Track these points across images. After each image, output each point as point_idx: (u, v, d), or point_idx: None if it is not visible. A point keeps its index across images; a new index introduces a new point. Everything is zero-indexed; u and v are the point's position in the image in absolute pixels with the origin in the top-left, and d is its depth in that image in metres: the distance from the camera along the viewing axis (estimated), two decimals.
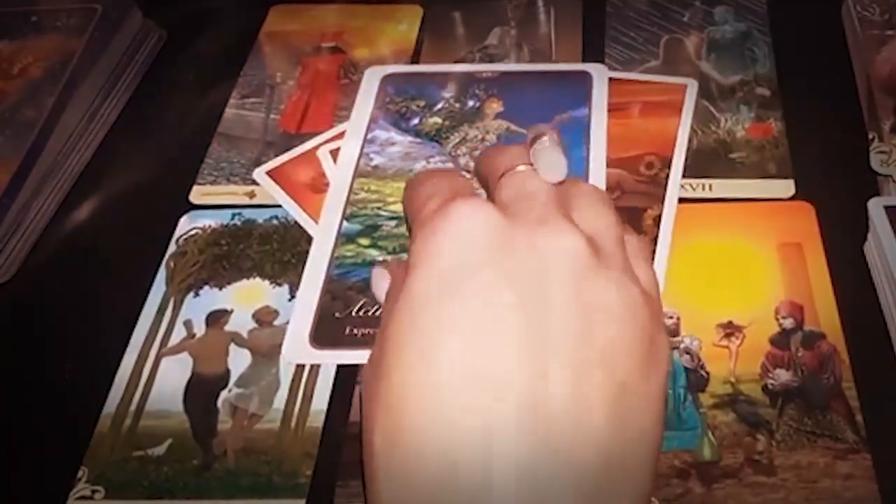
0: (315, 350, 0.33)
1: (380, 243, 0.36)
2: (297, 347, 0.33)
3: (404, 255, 0.35)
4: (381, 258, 0.35)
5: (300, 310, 0.34)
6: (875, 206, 0.35)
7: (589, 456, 0.21)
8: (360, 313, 0.33)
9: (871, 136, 0.39)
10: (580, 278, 0.23)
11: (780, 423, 0.30)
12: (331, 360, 0.33)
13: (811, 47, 0.45)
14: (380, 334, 0.25)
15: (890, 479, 0.29)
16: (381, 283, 0.29)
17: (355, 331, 0.33)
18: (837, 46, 0.45)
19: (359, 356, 0.32)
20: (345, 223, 0.37)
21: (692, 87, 0.42)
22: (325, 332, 0.33)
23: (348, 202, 0.37)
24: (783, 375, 0.32)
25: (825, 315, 0.33)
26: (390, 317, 0.24)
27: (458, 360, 0.22)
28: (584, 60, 0.45)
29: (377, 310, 0.33)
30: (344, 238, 0.36)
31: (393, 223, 0.36)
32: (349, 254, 0.35)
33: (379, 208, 0.37)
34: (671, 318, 0.34)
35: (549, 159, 0.27)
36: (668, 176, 0.38)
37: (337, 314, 0.33)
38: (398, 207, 0.37)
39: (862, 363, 0.32)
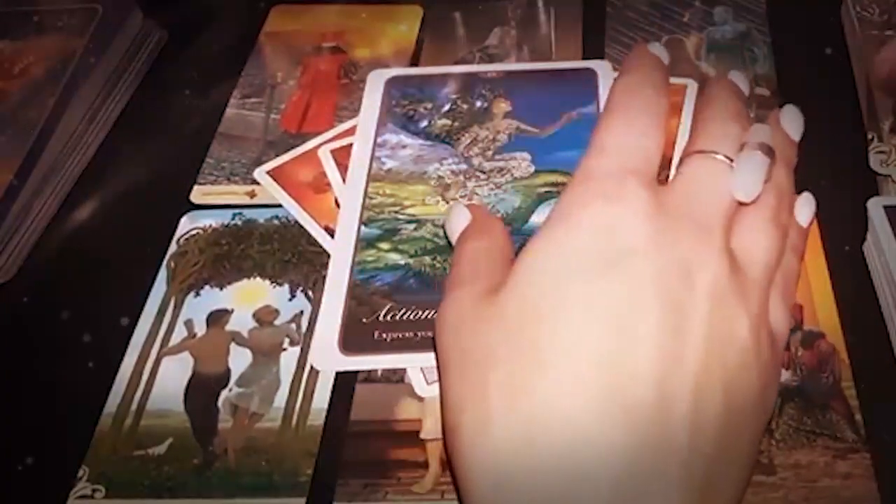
0: (345, 357, 0.32)
1: (400, 247, 0.35)
2: (326, 355, 0.32)
3: (426, 258, 0.35)
4: (402, 262, 0.35)
5: (326, 317, 0.33)
6: (874, 206, 0.35)
7: (697, 471, 0.22)
8: (388, 318, 0.33)
9: (870, 137, 0.39)
10: (717, 304, 0.23)
11: (780, 423, 0.30)
12: (362, 366, 0.32)
13: (810, 47, 0.45)
14: (488, 305, 0.24)
15: (889, 479, 0.29)
16: (459, 219, 0.28)
17: (384, 335, 0.32)
18: (837, 46, 0.45)
19: (388, 361, 0.32)
20: (363, 228, 0.36)
21: (692, 87, 0.42)
22: (354, 339, 0.33)
23: (364, 207, 0.37)
24: (782, 375, 0.32)
25: (824, 314, 0.33)
26: (510, 292, 0.23)
27: (592, 348, 0.22)
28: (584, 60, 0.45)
29: (404, 314, 0.33)
30: (364, 243, 0.36)
31: (411, 227, 0.36)
32: (370, 258, 0.35)
33: (396, 212, 0.37)
34: None
35: (752, 171, 0.25)
36: (668, 177, 0.38)
37: (364, 319, 0.33)
38: (415, 210, 0.37)
39: (861, 362, 0.32)
